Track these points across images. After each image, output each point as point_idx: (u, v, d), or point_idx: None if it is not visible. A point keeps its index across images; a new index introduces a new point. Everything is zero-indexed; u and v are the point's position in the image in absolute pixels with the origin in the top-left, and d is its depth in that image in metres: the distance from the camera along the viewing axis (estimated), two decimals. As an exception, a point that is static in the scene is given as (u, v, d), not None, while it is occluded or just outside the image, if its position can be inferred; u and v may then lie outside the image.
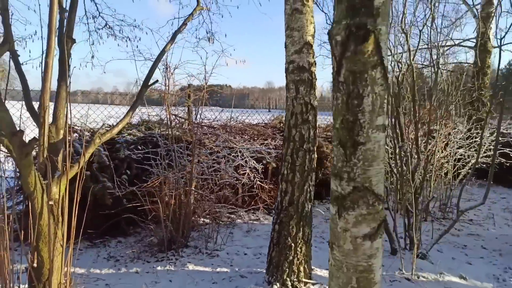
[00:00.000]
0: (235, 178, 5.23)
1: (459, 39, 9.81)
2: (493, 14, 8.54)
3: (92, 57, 7.66)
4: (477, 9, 9.02)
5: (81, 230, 3.01)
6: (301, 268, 3.27)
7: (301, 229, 3.27)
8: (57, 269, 2.76)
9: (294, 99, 3.31)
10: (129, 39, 7.71)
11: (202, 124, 5.98)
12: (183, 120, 5.97)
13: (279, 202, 3.36)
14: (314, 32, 3.41)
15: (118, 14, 7.80)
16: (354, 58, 1.09)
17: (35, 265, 2.75)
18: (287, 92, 3.38)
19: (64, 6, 3.40)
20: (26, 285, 2.85)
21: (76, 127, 4.98)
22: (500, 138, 6.07)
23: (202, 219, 5.17)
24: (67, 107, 2.96)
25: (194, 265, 3.75)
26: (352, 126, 1.14)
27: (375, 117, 1.14)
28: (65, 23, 3.33)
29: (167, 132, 4.88)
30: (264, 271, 3.44)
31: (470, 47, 9.52)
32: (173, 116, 5.81)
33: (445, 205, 5.75)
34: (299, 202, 3.27)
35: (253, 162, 5.62)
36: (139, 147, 5.01)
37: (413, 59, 4.36)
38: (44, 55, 2.90)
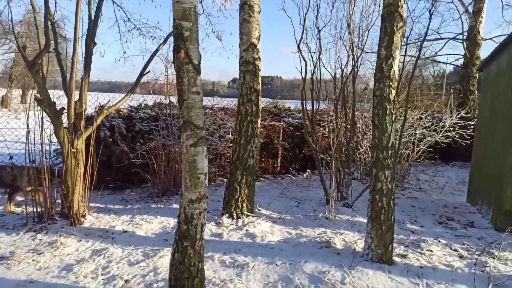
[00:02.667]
0: (222, 148, 6.60)
1: (448, 32, 10.38)
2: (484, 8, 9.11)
3: (124, 53, 9.37)
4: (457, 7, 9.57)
5: (95, 174, 4.56)
6: (244, 205, 4.60)
7: (244, 177, 4.58)
8: (77, 193, 4.29)
9: (242, 84, 4.60)
10: (155, 38, 9.32)
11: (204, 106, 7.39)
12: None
13: (231, 158, 4.70)
14: (259, 36, 4.66)
15: (143, 18, 9.45)
16: (177, 60, 2.37)
17: (64, 192, 4.32)
18: (239, 79, 4.68)
19: (92, 18, 4.93)
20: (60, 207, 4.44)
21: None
22: (460, 121, 6.96)
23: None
24: (86, 90, 4.47)
25: (177, 205, 5.18)
26: (180, 91, 2.42)
27: (191, 87, 2.41)
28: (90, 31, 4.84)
29: (169, 111, 6.36)
30: (223, 208, 4.81)
31: (457, 39, 10.09)
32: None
33: (403, 176, 6.76)
34: (243, 158, 4.58)
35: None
36: (151, 122, 6.53)
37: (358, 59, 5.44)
38: (72, 54, 4.44)
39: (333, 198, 4.74)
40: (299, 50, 5.15)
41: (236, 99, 9.59)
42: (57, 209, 4.45)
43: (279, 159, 7.80)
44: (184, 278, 2.52)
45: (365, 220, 4.69)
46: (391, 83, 3.26)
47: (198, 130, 2.47)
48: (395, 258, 3.54)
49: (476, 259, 3.51)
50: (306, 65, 5.17)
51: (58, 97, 4.45)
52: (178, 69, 2.38)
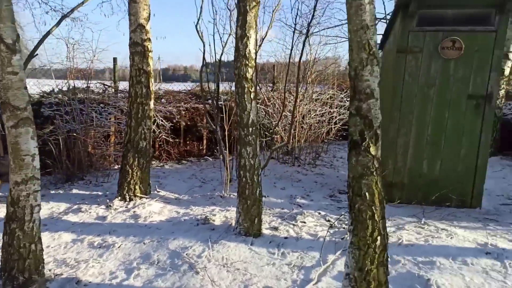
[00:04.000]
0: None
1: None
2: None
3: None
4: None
5: None
6: (137, 187, 4.62)
7: (136, 159, 4.59)
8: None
9: (132, 66, 4.56)
10: (80, 20, 9.02)
11: (123, 90, 7.31)
12: (107, 86, 7.31)
13: (123, 141, 4.68)
14: (148, 16, 4.61)
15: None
16: None
17: None
18: (129, 61, 4.62)
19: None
20: None
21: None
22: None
23: (117, 165, 6.56)
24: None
25: (78, 190, 5.13)
26: None
27: (5, 67, 2.39)
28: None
29: (86, 96, 6.24)
30: (120, 191, 4.81)
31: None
32: (101, 84, 7.19)
33: (318, 154, 6.97)
34: (135, 140, 4.58)
35: (161, 120, 6.93)
36: (60, 108, 6.37)
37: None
38: None
39: (228, 177, 4.84)
40: (197, 31, 5.15)
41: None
42: None
43: (204, 141, 7.84)
44: (14, 260, 2.53)
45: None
46: (247, 62, 3.33)
47: (18, 111, 2.45)
48: (266, 231, 3.69)
49: (330, 224, 3.73)
50: (204, 46, 5.18)
51: None
52: None
